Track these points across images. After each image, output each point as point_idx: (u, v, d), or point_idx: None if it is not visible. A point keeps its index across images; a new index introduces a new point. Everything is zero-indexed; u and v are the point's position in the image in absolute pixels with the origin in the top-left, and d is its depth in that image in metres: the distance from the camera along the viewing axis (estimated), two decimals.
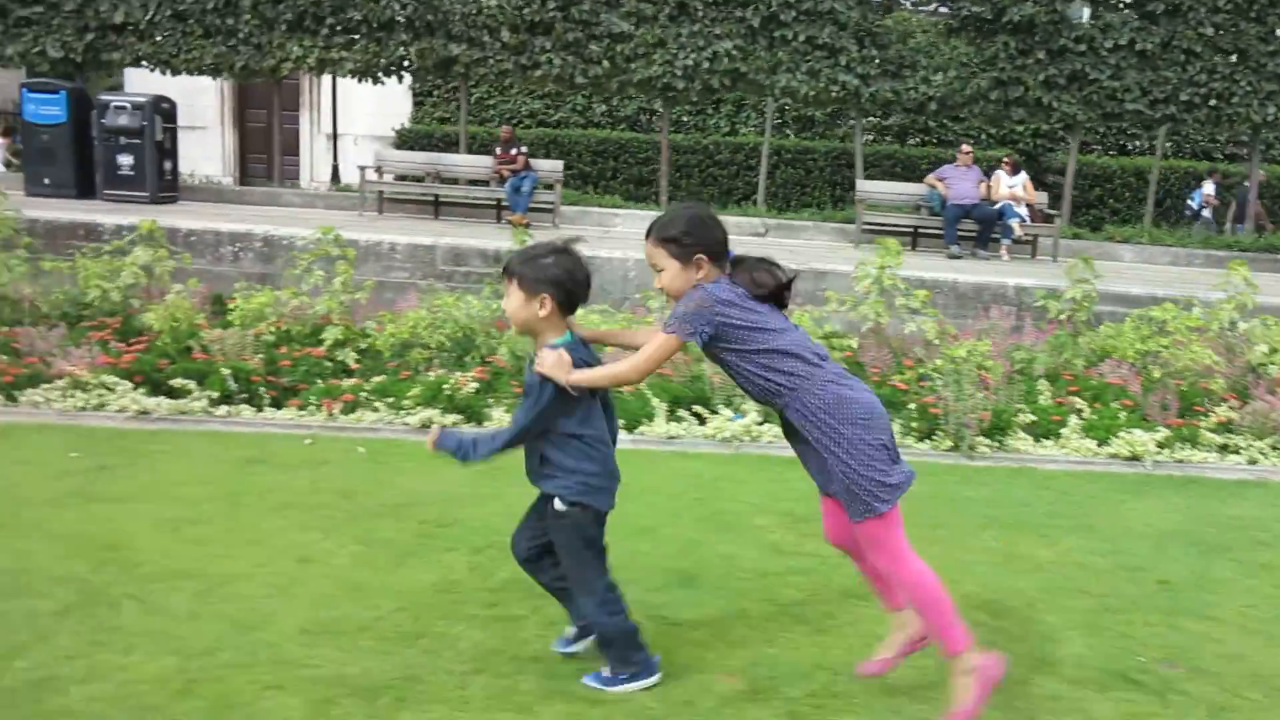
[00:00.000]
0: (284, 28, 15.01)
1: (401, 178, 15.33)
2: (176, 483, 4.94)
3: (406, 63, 15.17)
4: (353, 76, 15.36)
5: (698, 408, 6.53)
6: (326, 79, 19.83)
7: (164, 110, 13.96)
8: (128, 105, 13.63)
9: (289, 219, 12.00)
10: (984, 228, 13.23)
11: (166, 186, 14.09)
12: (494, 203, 14.24)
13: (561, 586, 3.20)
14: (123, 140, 13.61)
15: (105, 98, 13.83)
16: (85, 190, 13.84)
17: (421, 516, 4.59)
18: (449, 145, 18.91)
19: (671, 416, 6.44)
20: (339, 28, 15.07)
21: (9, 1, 15.04)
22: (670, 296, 2.97)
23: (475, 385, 6.51)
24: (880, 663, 3.19)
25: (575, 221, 14.41)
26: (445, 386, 6.37)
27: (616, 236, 12.67)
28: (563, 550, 3.09)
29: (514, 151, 14.00)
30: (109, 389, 6.47)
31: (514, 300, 2.99)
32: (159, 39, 15.16)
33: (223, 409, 6.40)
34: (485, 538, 4.29)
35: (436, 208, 14.44)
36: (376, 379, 6.59)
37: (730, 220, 14.81)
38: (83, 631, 3.37)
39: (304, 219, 11.90)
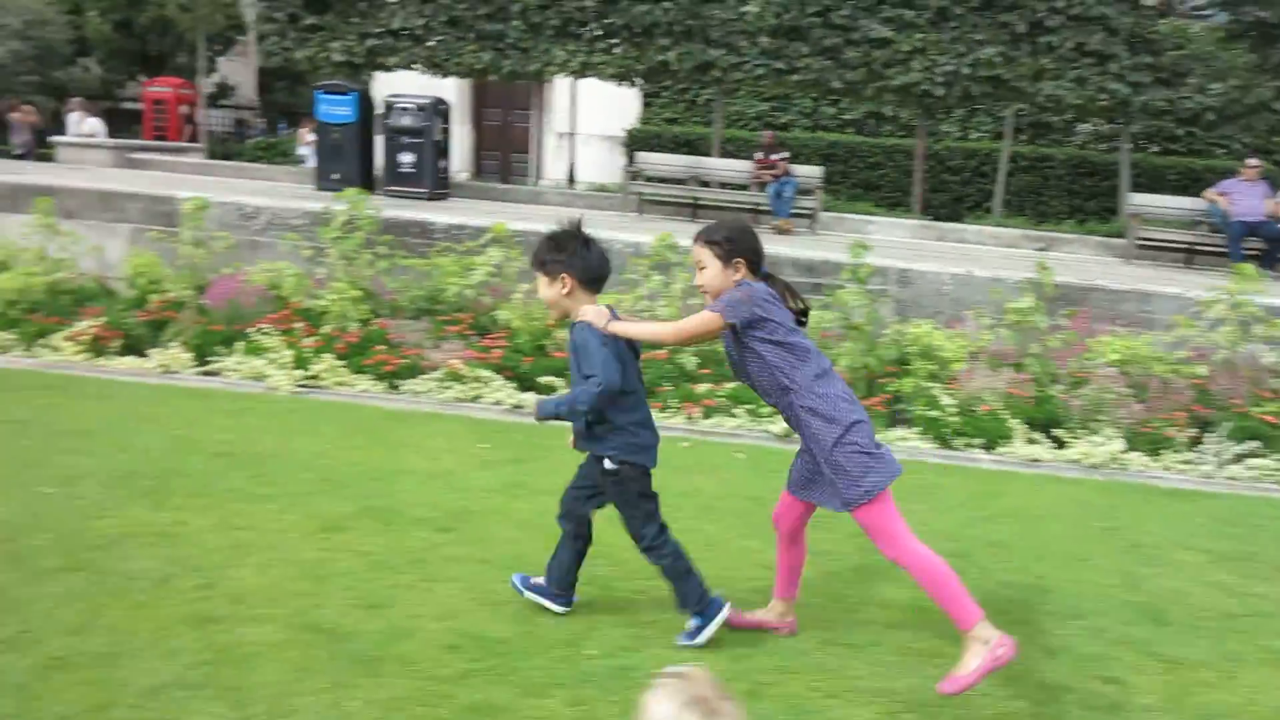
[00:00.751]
0: (549, 34, 15.55)
1: (655, 180, 15.65)
2: None
3: (666, 68, 15.48)
4: (612, 81, 15.77)
5: (1055, 431, 6.49)
6: (559, 80, 20.41)
7: (442, 111, 14.70)
8: (412, 106, 14.39)
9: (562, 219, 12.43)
10: (1272, 246, 12.59)
11: (441, 183, 14.82)
12: (751, 207, 14.40)
13: (580, 551, 3.58)
14: (405, 139, 14.38)
15: (391, 99, 14.64)
16: (366, 185, 14.67)
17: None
18: (678, 146, 19.28)
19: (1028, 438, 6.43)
20: (600, 33, 15.50)
21: (300, 10, 16.08)
22: (708, 294, 3.36)
23: None
24: (745, 619, 3.57)
25: (831, 228, 14.45)
26: None
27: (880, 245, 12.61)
28: (620, 504, 3.44)
29: (775, 157, 14.12)
30: (483, 382, 6.90)
31: (544, 287, 3.43)
32: (432, 44, 15.93)
33: None
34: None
35: (694, 210, 14.70)
36: (730, 385, 6.80)
37: (981, 230, 14.66)
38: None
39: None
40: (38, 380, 6.68)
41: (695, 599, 3.43)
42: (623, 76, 15.83)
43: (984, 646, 3.07)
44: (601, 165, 23.17)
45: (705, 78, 15.70)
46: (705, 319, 3.30)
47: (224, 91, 29.51)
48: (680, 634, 3.48)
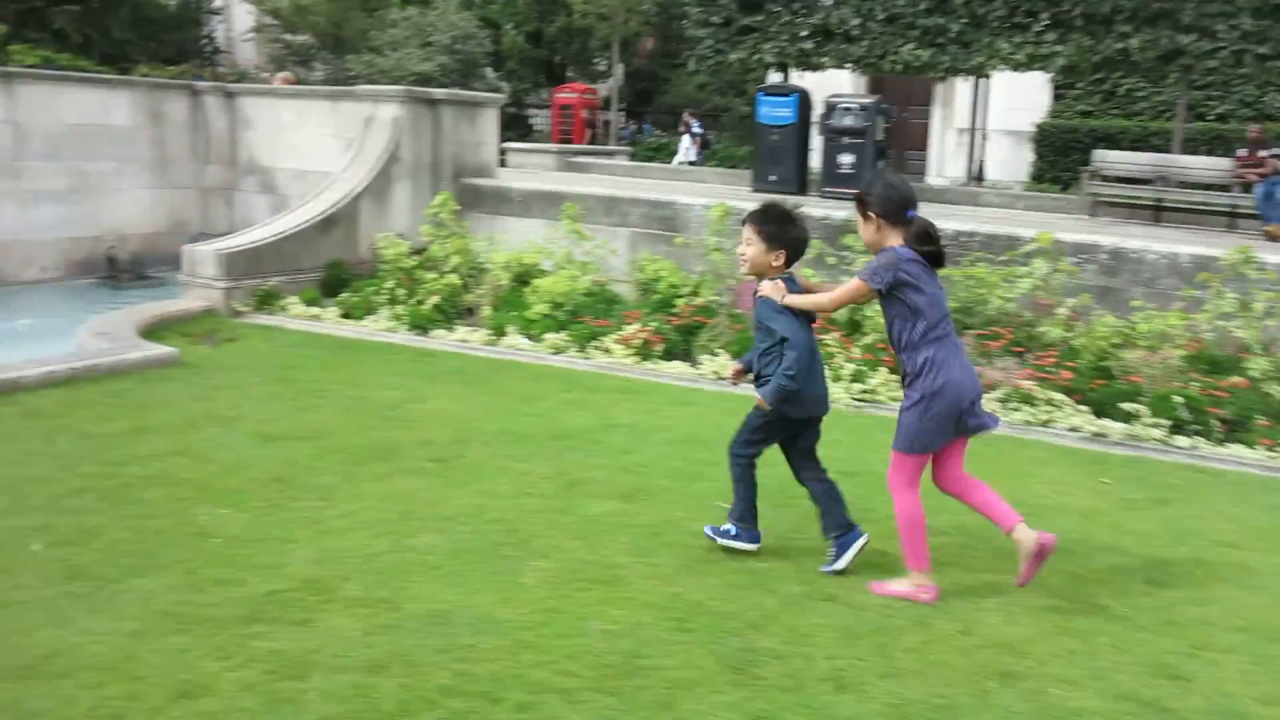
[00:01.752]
0: (994, 25, 14.78)
1: (1114, 180, 14.50)
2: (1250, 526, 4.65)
3: (1126, 58, 14.28)
4: (1061, 74, 14.77)
5: None
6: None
7: (884, 111, 14.35)
8: (855, 106, 14.16)
9: (1013, 220, 11.70)
10: None
11: None
12: (1228, 210, 12.99)
13: (820, 491, 4.04)
14: (845, 140, 14.15)
15: (833, 99, 14.48)
16: (801, 187, 14.59)
17: None
18: (1095, 141, 17.92)
19: None
20: (1048, 23, 14.54)
21: (735, 12, 16.28)
22: (868, 248, 3.84)
23: None
24: (1021, 576, 3.80)
25: None
26: None
27: None
28: (745, 421, 4.04)
29: (1264, 153, 12.63)
30: (1056, 405, 6.45)
31: (755, 248, 3.96)
32: (867, 42, 15.61)
33: (1181, 439, 6.12)
34: None
35: (1157, 213, 13.47)
36: None
37: None
38: None
39: (1024, 220, 11.52)
40: (615, 384, 6.95)
41: (738, 513, 4.07)
42: (1071, 70, 14.78)
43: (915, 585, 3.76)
44: (1005, 162, 22.03)
45: (1170, 67, 14.34)
46: (853, 286, 3.80)
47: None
48: (710, 528, 4.18)
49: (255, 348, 7.85)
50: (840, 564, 3.92)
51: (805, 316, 3.92)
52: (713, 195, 11.18)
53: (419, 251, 9.74)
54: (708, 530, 4.14)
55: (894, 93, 23.99)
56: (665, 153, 24.95)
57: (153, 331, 7.97)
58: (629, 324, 7.93)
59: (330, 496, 4.54)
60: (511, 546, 4.05)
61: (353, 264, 9.91)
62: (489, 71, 31.24)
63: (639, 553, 4.04)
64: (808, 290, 3.99)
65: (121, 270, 11.44)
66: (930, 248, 3.70)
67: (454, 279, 9.01)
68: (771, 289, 3.90)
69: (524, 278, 9.00)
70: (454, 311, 8.77)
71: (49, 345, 8.47)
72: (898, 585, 3.80)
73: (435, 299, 8.66)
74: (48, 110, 10.72)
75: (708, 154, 24.44)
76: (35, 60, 26.27)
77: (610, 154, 19.48)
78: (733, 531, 4.06)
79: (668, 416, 6.15)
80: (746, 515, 4.05)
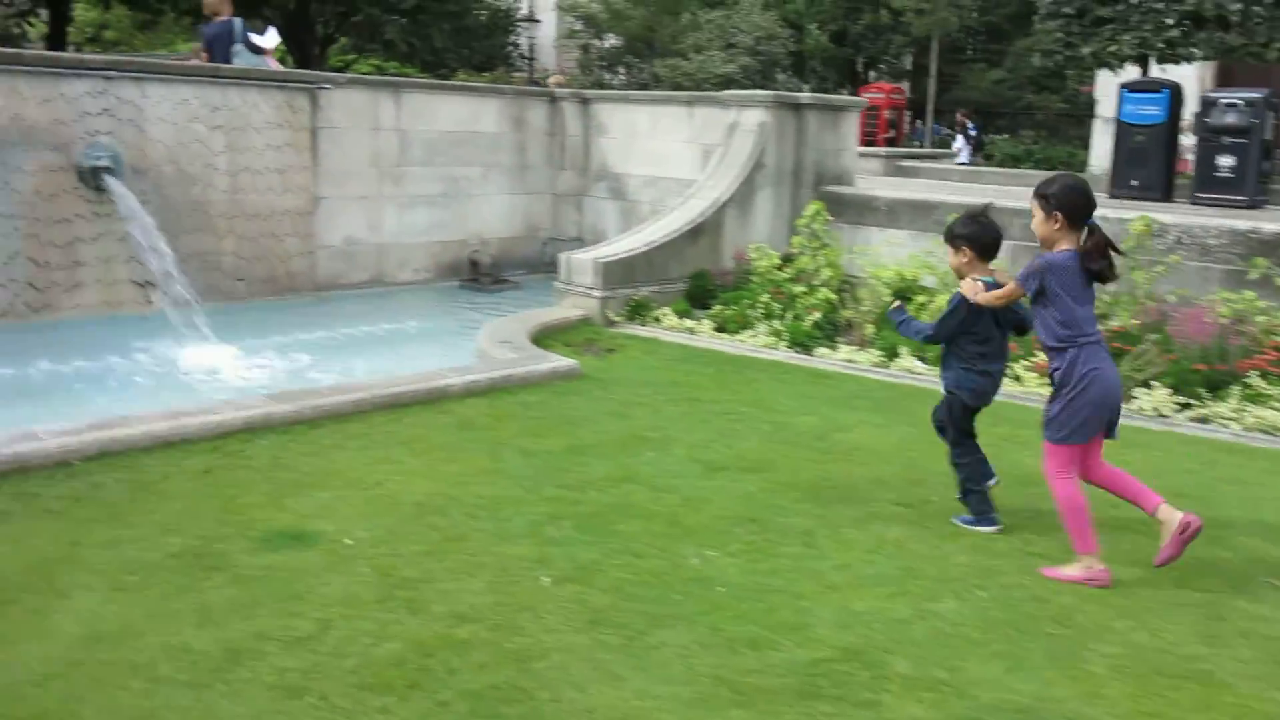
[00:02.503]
0: None
1: None
2: None
3: None
4: None
5: None
6: None
7: (1275, 105, 12.78)
8: (1239, 102, 12.68)
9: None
10: None
11: (1259, 189, 12.92)
12: None
13: (954, 462, 4.52)
14: (1226, 140, 12.70)
15: (1212, 94, 13.06)
16: (1166, 193, 13.24)
17: None
18: None
19: None
20: None
21: (1090, 2, 15.05)
22: (1039, 240, 3.99)
23: None
24: (1162, 554, 3.91)
25: None
26: None
27: None
28: (945, 417, 4.51)
29: None
30: None
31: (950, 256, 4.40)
32: (1247, 27, 14.01)
33: None
34: None
35: None
36: None
37: None
38: None
39: None
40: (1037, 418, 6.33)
41: (972, 506, 4.43)
42: None
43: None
44: None
45: None
46: (1010, 288, 4.07)
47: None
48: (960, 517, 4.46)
49: (640, 360, 7.76)
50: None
51: (999, 314, 4.30)
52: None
53: (786, 261, 9.44)
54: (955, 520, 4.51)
55: (1247, 85, 21.66)
56: (950, 152, 23.75)
57: (538, 339, 8.05)
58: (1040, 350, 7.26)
59: (814, 543, 4.22)
60: (1049, 621, 3.58)
61: (716, 274, 9.73)
62: (779, 75, 30.88)
63: (1211, 641, 3.46)
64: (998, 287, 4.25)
65: (483, 273, 11.83)
66: (1101, 263, 3.84)
67: (828, 294, 8.63)
68: (969, 288, 4.23)
69: (903, 294, 8.49)
70: (831, 328, 8.39)
71: (438, 348, 8.80)
72: (1070, 570, 3.94)
73: (815, 315, 8.30)
74: (427, 118, 11.21)
75: (982, 154, 23.13)
76: (368, 69, 28.32)
77: (935, 156, 18.59)
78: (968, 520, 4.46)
79: (1129, 461, 5.47)
80: (973, 505, 4.47)
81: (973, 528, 4.40)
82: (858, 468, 5.20)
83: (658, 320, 8.88)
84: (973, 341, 4.33)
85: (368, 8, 20.08)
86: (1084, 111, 25.46)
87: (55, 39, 21.17)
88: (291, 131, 10.07)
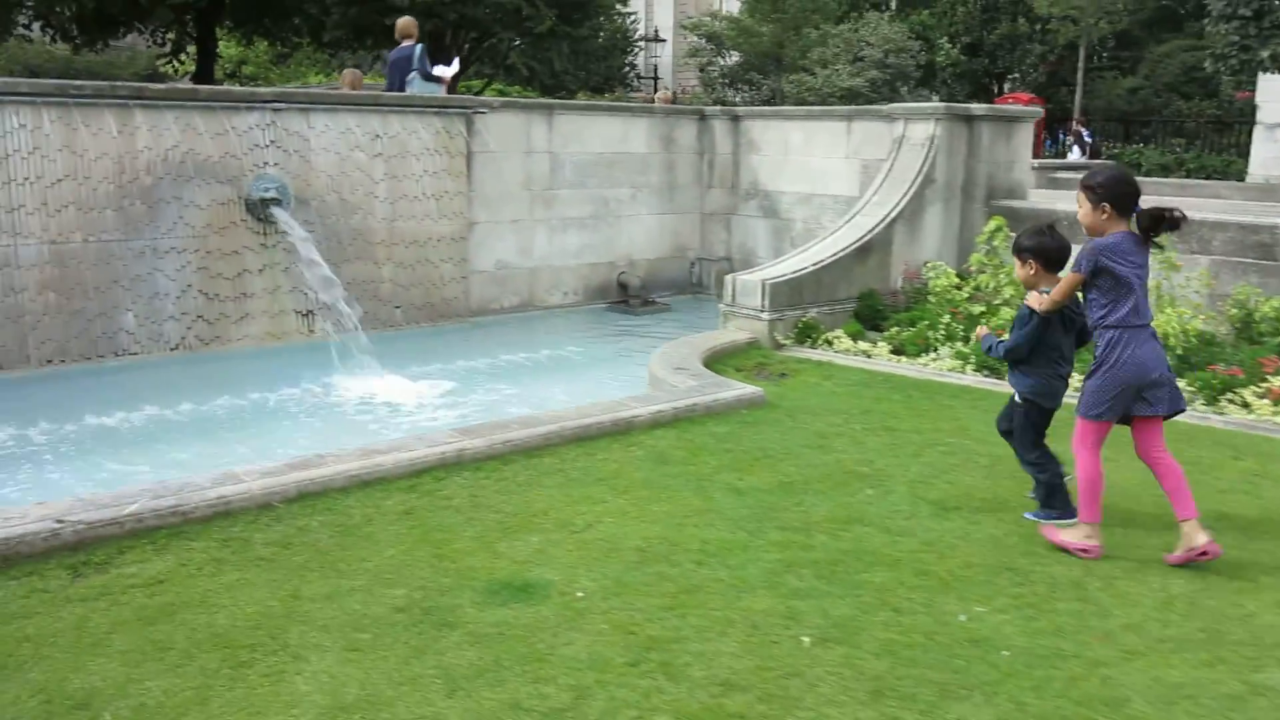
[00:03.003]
0: None
1: None
2: None
3: None
4: None
5: None
6: None
7: None
8: None
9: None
10: None
11: None
12: None
13: (1033, 461, 4.62)
14: None
15: None
16: None
17: None
18: None
19: None
20: None
21: (1269, 2, 14.15)
22: (1086, 230, 4.15)
23: None
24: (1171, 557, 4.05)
25: None
26: None
27: None
28: (1017, 424, 4.64)
29: None
30: None
31: (1018, 269, 4.52)
32: None
33: None
34: None
35: None
36: None
37: None
38: None
39: None
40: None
41: (1058, 503, 4.51)
42: None
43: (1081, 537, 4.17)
44: None
45: None
46: (1070, 278, 4.18)
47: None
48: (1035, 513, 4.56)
49: (820, 386, 7.36)
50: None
51: (1065, 321, 4.43)
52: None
53: (962, 280, 8.94)
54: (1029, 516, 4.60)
55: None
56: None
57: (708, 364, 7.73)
58: (1271, 373, 6.63)
59: (1089, 597, 3.78)
60: None
61: (885, 294, 9.28)
62: (903, 89, 30.10)
63: None
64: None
65: (631, 295, 11.60)
66: (1156, 219, 3.97)
67: (1010, 314, 8.10)
68: (1035, 300, 4.39)
69: None
70: None
71: (603, 374, 8.57)
72: (1068, 535, 4.18)
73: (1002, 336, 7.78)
74: (578, 140, 11.05)
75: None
76: (493, 93, 28.57)
77: (1087, 168, 17.70)
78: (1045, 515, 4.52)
79: None
80: (1055, 501, 4.53)
81: (1056, 523, 4.40)
82: (1131, 505, 4.71)
83: (829, 343, 8.47)
84: (1046, 348, 4.47)
85: (503, 31, 20.17)
86: (1236, 118, 24.12)
87: (203, 75, 21.85)
88: (448, 157, 10.00)
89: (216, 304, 8.86)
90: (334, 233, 9.32)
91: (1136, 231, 4.03)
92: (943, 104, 9.78)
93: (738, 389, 6.73)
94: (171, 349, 8.67)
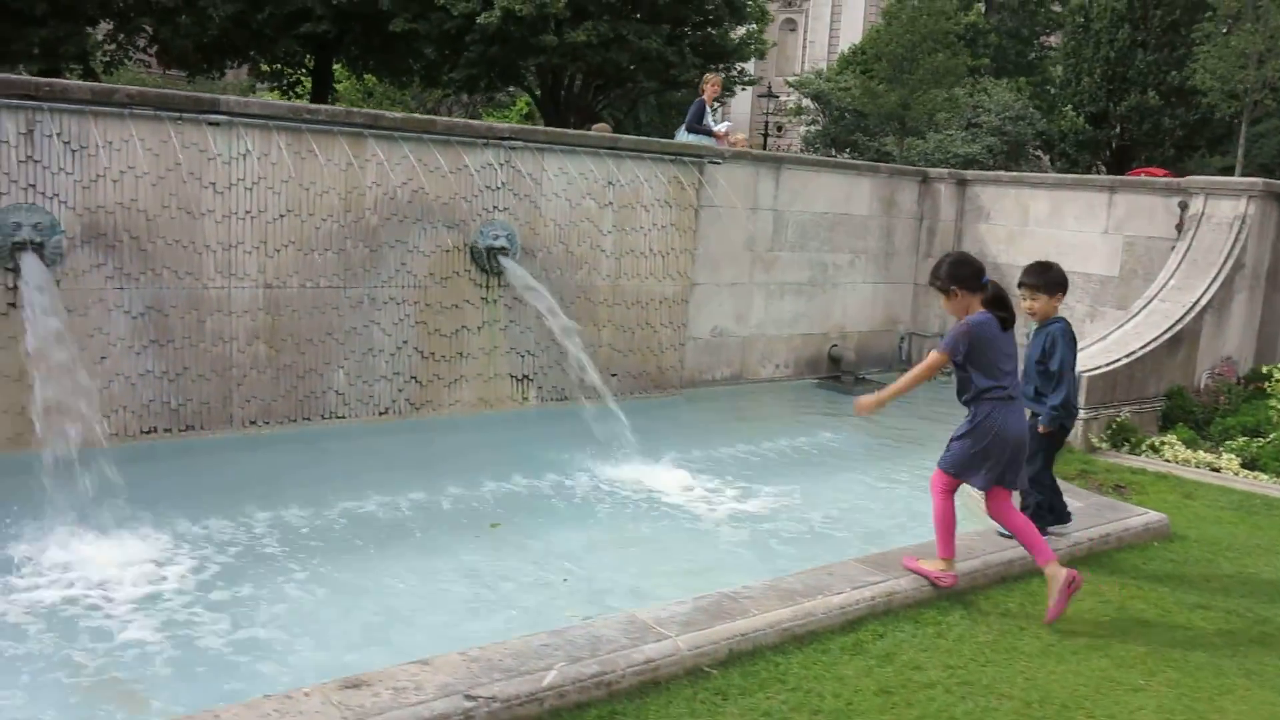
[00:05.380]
0: None
1: None
2: None
3: None
4: None
5: None
6: None
7: None
8: None
9: None
10: None
11: None
12: None
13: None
14: None
15: None
16: None
17: None
18: None
19: None
20: None
21: None
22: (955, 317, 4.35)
23: None
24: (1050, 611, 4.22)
25: None
26: None
27: None
28: (1040, 450, 4.96)
29: None
30: None
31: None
32: None
33: None
34: None
35: None
36: None
37: None
38: None
39: None
40: None
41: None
42: None
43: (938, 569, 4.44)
44: None
45: None
46: (931, 359, 4.31)
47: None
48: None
49: (1190, 507, 6.09)
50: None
51: None
52: None
53: (1264, 379, 7.71)
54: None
55: None
56: None
57: None
58: None
59: None
60: None
61: (1191, 392, 8.02)
62: (1040, 154, 29.00)
63: None
64: None
65: (844, 370, 10.40)
66: (1003, 313, 4.26)
67: None
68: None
69: None
70: None
71: (889, 469, 7.32)
72: (928, 565, 4.41)
73: None
74: (804, 198, 9.92)
75: None
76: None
77: None
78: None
79: None
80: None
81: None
82: None
83: (1154, 449, 7.21)
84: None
85: (645, 80, 19.22)
86: None
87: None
88: (678, 210, 8.87)
89: (431, 364, 7.71)
90: (556, 289, 8.16)
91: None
92: (1259, 179, 8.58)
93: (1142, 514, 5.47)
94: (381, 413, 7.52)
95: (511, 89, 27.37)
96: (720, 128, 10.24)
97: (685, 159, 8.88)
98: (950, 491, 4.41)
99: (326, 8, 18.52)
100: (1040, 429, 4.95)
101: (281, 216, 6.92)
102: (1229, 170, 26.15)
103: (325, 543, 5.23)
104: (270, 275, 6.93)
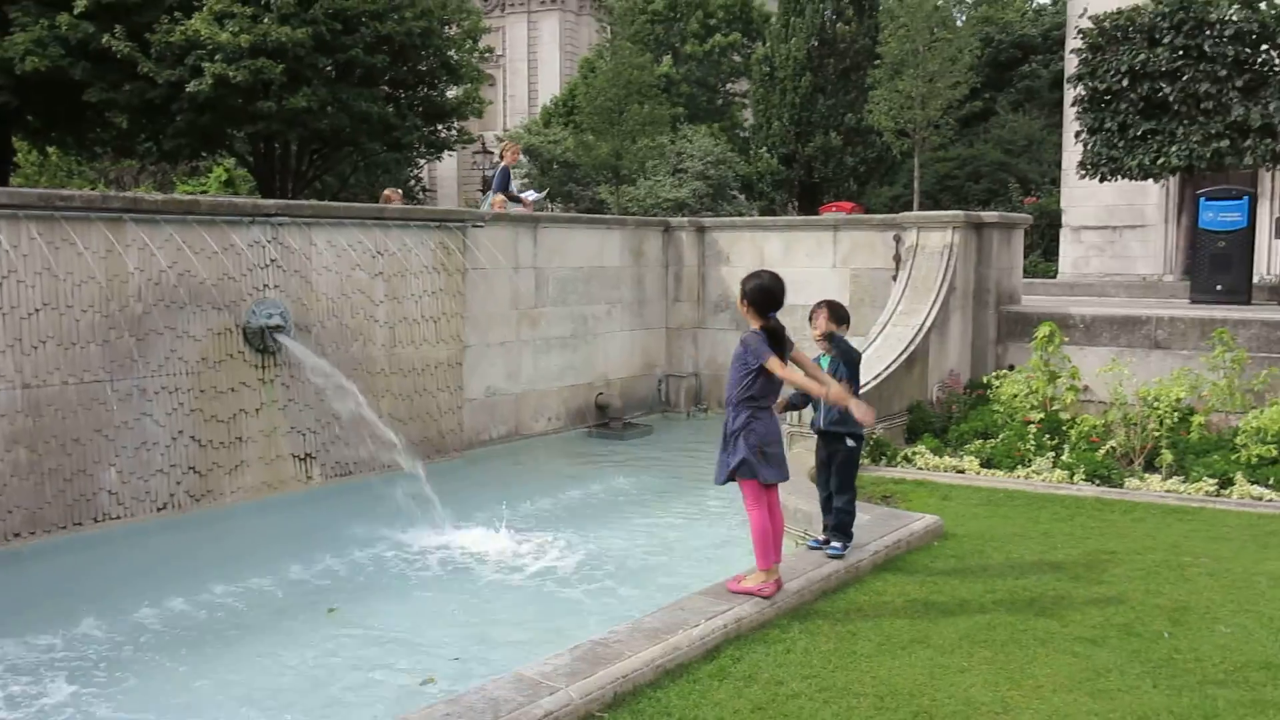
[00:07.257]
0: None
1: None
2: None
3: None
4: None
5: None
6: None
7: None
8: None
9: None
10: None
11: None
12: None
13: (827, 496, 5.52)
14: None
15: None
16: (1248, 296, 13.31)
17: None
18: None
19: None
20: None
21: (1132, 117, 15.37)
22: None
23: None
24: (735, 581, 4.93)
25: None
26: None
27: None
28: (847, 463, 5.47)
29: None
30: None
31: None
32: None
33: None
34: None
35: None
36: None
37: None
38: None
39: None
40: None
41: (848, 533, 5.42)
42: None
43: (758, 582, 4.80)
44: None
45: None
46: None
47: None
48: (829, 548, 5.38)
49: (949, 508, 6.89)
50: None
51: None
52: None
53: (984, 387, 8.85)
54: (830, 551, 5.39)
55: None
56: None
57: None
58: None
59: None
60: None
61: (927, 404, 9.01)
62: (738, 195, 30.93)
63: None
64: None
65: (612, 417, 10.82)
66: (777, 347, 4.71)
67: (1112, 417, 7.99)
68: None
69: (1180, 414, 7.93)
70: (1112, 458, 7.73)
71: (685, 506, 7.73)
72: (749, 582, 4.79)
73: (1110, 443, 7.65)
74: (561, 254, 10.29)
75: None
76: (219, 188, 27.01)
77: None
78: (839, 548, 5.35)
79: None
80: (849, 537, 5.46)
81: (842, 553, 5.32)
82: None
83: (908, 460, 8.04)
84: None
85: (368, 142, 19.02)
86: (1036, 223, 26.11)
87: None
88: (446, 275, 9.00)
89: (209, 452, 7.40)
90: (334, 364, 8.06)
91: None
92: (960, 212, 9.77)
93: (922, 519, 6.14)
94: (159, 508, 7.14)
95: (212, 156, 26.22)
96: (528, 196, 10.48)
97: (449, 224, 9.03)
98: (759, 502, 4.75)
99: (8, 77, 17.15)
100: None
101: (37, 310, 6.48)
102: (897, 199, 29.18)
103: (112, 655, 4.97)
104: (28, 374, 6.46)
